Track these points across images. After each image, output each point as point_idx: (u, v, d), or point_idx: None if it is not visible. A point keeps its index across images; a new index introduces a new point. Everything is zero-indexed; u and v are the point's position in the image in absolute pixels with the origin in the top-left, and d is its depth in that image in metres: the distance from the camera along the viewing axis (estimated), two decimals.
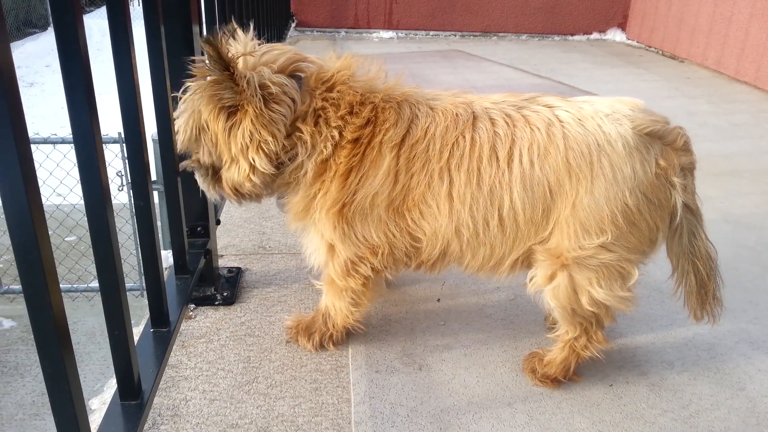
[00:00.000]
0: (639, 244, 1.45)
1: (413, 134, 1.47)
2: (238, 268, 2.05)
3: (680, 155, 1.44)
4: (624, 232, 1.42)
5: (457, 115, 1.48)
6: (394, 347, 1.74)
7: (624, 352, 1.77)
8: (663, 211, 1.44)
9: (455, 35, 6.87)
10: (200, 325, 1.80)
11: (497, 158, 1.43)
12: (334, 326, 1.69)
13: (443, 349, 1.74)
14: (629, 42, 6.80)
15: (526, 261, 1.54)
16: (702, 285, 1.54)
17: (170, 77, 1.52)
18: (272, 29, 4.35)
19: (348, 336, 1.75)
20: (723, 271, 2.20)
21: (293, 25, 6.58)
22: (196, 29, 1.70)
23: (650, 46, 6.46)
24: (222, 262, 2.10)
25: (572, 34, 6.95)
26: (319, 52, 5.37)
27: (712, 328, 1.86)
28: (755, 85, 4.90)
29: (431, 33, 6.84)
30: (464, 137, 1.45)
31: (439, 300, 1.96)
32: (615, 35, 6.93)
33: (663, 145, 1.43)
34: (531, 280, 1.54)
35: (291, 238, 2.29)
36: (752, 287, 2.12)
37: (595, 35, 6.96)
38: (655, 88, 4.89)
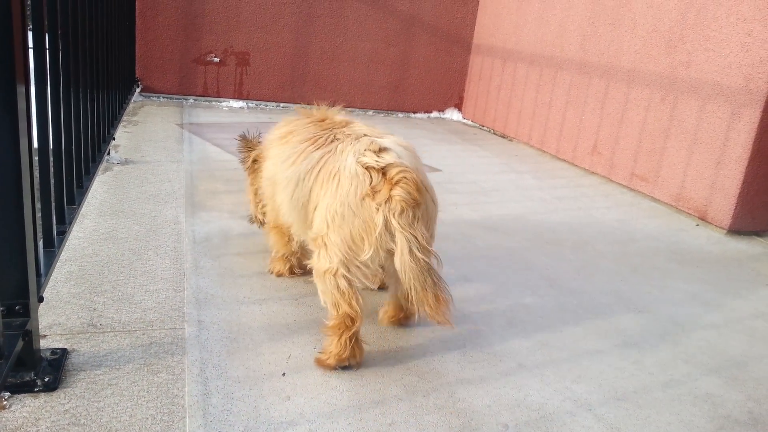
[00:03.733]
0: (348, 239, 1.90)
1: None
2: (64, 350, 1.88)
3: (393, 188, 1.85)
4: (336, 228, 1.91)
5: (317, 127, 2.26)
6: (235, 427, 1.66)
7: (462, 415, 1.83)
8: (367, 226, 1.88)
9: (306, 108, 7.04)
10: (15, 416, 1.61)
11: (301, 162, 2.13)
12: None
13: (287, 426, 1.70)
14: (465, 121, 7.38)
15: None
16: (422, 290, 1.84)
17: None
18: (115, 93, 4.19)
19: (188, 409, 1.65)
20: (550, 335, 2.39)
21: (138, 90, 6.37)
22: (21, 89, 1.59)
23: (483, 126, 7.06)
24: (45, 343, 1.91)
25: (414, 112, 7.40)
26: (165, 118, 5.20)
27: (540, 387, 2.01)
28: (573, 162, 5.51)
29: (282, 105, 6.95)
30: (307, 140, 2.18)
31: (284, 374, 1.93)
32: (453, 114, 7.49)
33: (383, 179, 1.88)
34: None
35: (126, 314, 2.15)
36: (572, 346, 2.31)
37: (435, 114, 7.47)
38: (488, 163, 5.32)
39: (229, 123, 5.73)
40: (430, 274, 1.84)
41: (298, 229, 2.22)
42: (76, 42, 2.63)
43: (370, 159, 1.91)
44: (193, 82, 6.62)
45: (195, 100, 6.66)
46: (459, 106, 7.51)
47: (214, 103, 6.68)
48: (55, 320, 2.06)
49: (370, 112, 7.24)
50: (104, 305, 2.19)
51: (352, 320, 1.94)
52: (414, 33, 7.13)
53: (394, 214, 1.84)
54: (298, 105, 2.62)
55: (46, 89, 2.17)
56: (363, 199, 1.87)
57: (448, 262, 2.97)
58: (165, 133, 4.97)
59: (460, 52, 7.34)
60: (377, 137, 2.06)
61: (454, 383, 1.99)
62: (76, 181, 2.63)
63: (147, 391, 1.76)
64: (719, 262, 3.45)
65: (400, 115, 7.34)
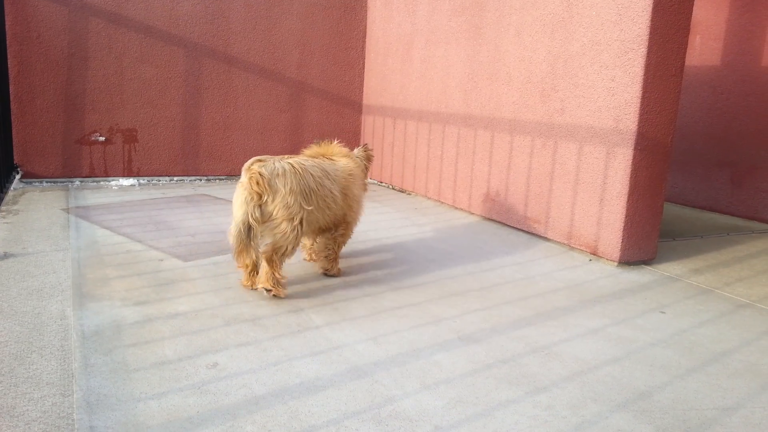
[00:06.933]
0: (235, 209, 3.21)
1: None
2: None
3: (250, 184, 3.11)
4: (233, 203, 3.24)
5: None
6: None
7: None
8: (238, 202, 3.20)
9: (201, 179, 6.89)
10: None
11: None
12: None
13: None
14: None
15: None
16: (238, 242, 3.23)
17: None
18: None
19: None
20: (462, 390, 2.39)
21: (18, 177, 6.02)
22: None
23: (382, 182, 7.18)
24: None
25: None
26: (48, 204, 4.91)
27: None
28: (470, 210, 5.68)
29: (175, 178, 6.77)
30: None
31: None
32: None
33: (248, 175, 3.14)
34: None
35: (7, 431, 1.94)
36: (485, 399, 2.32)
37: None
38: (389, 218, 5.38)
39: (119, 202, 5.50)
40: (241, 234, 3.18)
41: None
42: None
43: (248, 165, 3.15)
44: (78, 163, 6.34)
45: (81, 182, 6.36)
46: None
47: (102, 183, 6.41)
48: None
49: None
50: None
51: (239, 253, 3.27)
52: (304, 98, 7.22)
53: (244, 196, 3.13)
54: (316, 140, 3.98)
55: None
56: (239, 188, 3.19)
57: (356, 327, 2.93)
58: (49, 221, 4.69)
59: (352, 113, 7.49)
60: (283, 157, 3.33)
61: None
62: None
63: None
64: (614, 294, 3.62)
65: None
